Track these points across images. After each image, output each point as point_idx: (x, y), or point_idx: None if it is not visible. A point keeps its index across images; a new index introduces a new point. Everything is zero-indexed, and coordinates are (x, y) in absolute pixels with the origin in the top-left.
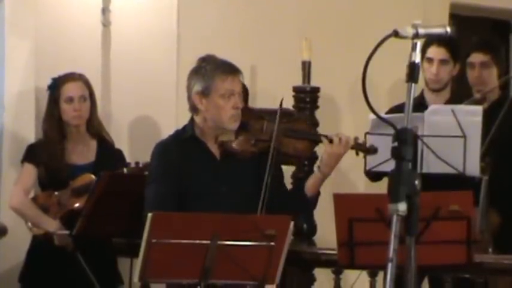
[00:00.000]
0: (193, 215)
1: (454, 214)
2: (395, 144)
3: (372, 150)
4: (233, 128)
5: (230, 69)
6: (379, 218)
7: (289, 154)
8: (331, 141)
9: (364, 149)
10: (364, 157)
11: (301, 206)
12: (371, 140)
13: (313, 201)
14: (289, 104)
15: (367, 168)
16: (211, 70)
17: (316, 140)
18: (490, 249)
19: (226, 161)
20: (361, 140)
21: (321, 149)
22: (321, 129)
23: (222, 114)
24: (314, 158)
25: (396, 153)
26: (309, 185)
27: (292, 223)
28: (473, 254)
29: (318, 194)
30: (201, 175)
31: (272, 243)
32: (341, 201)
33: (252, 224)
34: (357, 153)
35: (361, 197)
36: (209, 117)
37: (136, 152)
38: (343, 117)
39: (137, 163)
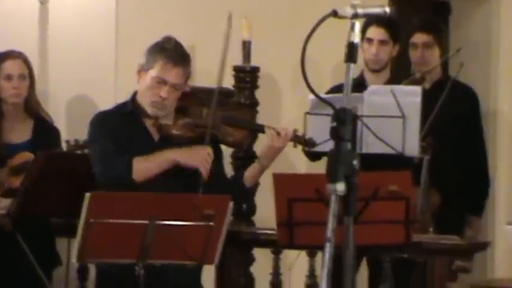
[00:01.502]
0: (132, 195)
1: (392, 194)
2: (334, 124)
3: (310, 143)
4: (152, 114)
5: (175, 58)
6: (319, 198)
7: (227, 142)
8: (272, 131)
9: (303, 142)
10: (303, 149)
11: (239, 195)
12: (311, 121)
13: (251, 191)
14: (228, 83)
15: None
16: (160, 51)
17: (255, 130)
18: (431, 229)
19: (163, 143)
20: (300, 133)
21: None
22: (261, 109)
23: (147, 96)
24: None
25: (335, 133)
26: (248, 175)
27: (231, 203)
28: (411, 234)
29: (256, 184)
30: (135, 152)
31: (211, 223)
32: (280, 181)
33: (191, 204)
34: (295, 146)
35: (300, 177)
36: (139, 94)
37: (74, 130)
38: (284, 97)
39: (76, 140)
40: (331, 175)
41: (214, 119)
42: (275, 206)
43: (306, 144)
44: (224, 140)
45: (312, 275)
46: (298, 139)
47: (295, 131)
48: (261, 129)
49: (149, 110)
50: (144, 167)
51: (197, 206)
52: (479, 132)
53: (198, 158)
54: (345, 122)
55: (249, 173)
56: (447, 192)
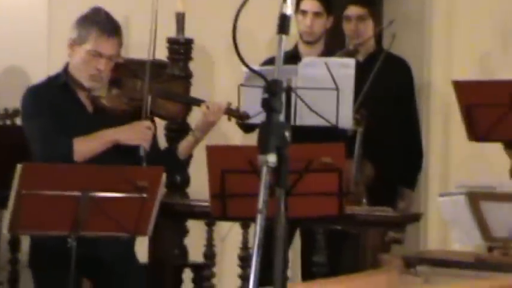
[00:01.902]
0: (65, 167)
1: (326, 166)
2: (266, 96)
3: (245, 117)
4: (90, 86)
5: (108, 30)
6: (252, 170)
7: (161, 115)
8: (205, 106)
9: (237, 115)
10: (237, 123)
11: (173, 168)
12: (245, 93)
13: (185, 163)
14: (163, 55)
15: None
16: (92, 23)
17: (189, 103)
18: (364, 201)
19: (97, 115)
20: (234, 106)
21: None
22: (195, 81)
23: (83, 70)
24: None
25: (266, 105)
26: (182, 148)
27: (164, 175)
28: (344, 206)
29: (190, 156)
30: (70, 126)
31: (144, 195)
32: (213, 153)
33: (124, 175)
34: (229, 119)
35: (233, 149)
36: (73, 67)
37: (4, 101)
38: (218, 69)
39: (6, 109)
40: (263, 146)
41: (148, 92)
42: (208, 178)
43: (240, 117)
44: (158, 113)
45: (245, 247)
46: (232, 113)
47: (229, 104)
48: (195, 103)
49: (86, 83)
50: (85, 147)
51: (130, 178)
52: (412, 104)
53: (139, 135)
54: (276, 94)
55: (182, 146)
56: (380, 164)
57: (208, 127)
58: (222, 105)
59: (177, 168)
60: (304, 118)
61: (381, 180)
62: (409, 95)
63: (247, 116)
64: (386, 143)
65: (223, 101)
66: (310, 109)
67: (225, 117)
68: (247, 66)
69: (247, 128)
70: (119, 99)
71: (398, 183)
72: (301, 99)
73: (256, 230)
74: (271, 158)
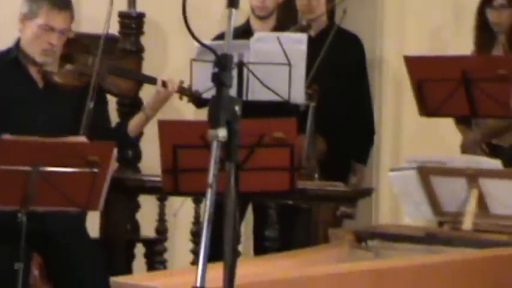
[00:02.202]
0: (13, 141)
1: (277, 141)
2: (216, 70)
3: (197, 95)
4: (42, 62)
5: (59, 3)
6: (204, 145)
7: (112, 92)
8: (157, 84)
9: (189, 94)
10: (189, 101)
11: (122, 144)
12: (197, 67)
13: (135, 140)
14: (114, 29)
15: None
16: None
17: (141, 81)
18: (316, 176)
19: (48, 90)
20: (186, 84)
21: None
22: (146, 56)
23: (35, 44)
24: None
25: (216, 79)
26: (132, 126)
27: (115, 150)
28: (296, 181)
29: (140, 133)
30: (19, 101)
31: (95, 170)
32: (165, 127)
33: (75, 150)
34: (181, 98)
35: (185, 124)
36: (24, 42)
37: None
38: (170, 43)
39: None
40: (213, 121)
41: (99, 68)
42: (160, 153)
43: (192, 96)
44: (110, 90)
45: (197, 222)
46: (184, 91)
47: (181, 82)
48: (147, 81)
49: (39, 58)
50: None
51: (81, 153)
52: (364, 79)
53: None
54: (226, 68)
55: (132, 124)
56: (333, 139)
57: (159, 105)
58: (174, 84)
59: (126, 146)
60: (256, 93)
61: (333, 155)
62: (361, 70)
63: (199, 95)
64: (339, 118)
65: (176, 79)
66: (262, 84)
67: (176, 94)
68: (197, 40)
69: (199, 103)
70: (70, 75)
71: (350, 158)
72: (253, 74)
73: (206, 205)
74: (222, 133)
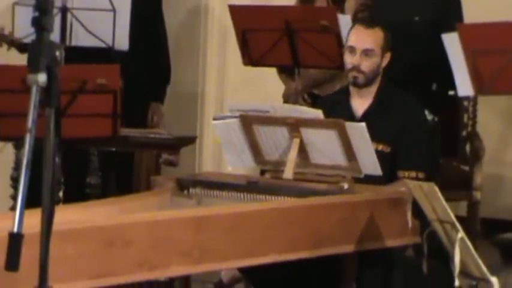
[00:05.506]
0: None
1: (100, 87)
2: (36, 14)
3: (17, 42)
4: None
5: None
6: (25, 89)
7: None
8: None
9: (8, 41)
10: (9, 48)
11: None
12: (20, 11)
13: None
14: None
15: None
16: None
17: None
18: None
19: None
20: (6, 31)
21: None
22: None
23: None
24: None
25: (37, 24)
26: None
27: None
28: (118, 128)
29: None
30: None
31: None
32: None
33: None
34: (1, 45)
35: (5, 68)
36: None
37: None
38: None
39: None
40: (32, 65)
41: None
42: None
43: (11, 43)
44: None
45: (17, 167)
46: (3, 38)
47: (1, 29)
48: None
49: None
50: None
51: None
52: (159, 19)
53: None
54: (47, 12)
55: None
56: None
57: None
58: None
59: None
60: (80, 39)
61: (129, 97)
62: (156, 8)
63: (20, 42)
64: (135, 61)
65: None
66: (86, 30)
67: None
68: None
69: (21, 49)
70: None
71: (148, 99)
72: (77, 19)
73: (25, 150)
74: (41, 78)
